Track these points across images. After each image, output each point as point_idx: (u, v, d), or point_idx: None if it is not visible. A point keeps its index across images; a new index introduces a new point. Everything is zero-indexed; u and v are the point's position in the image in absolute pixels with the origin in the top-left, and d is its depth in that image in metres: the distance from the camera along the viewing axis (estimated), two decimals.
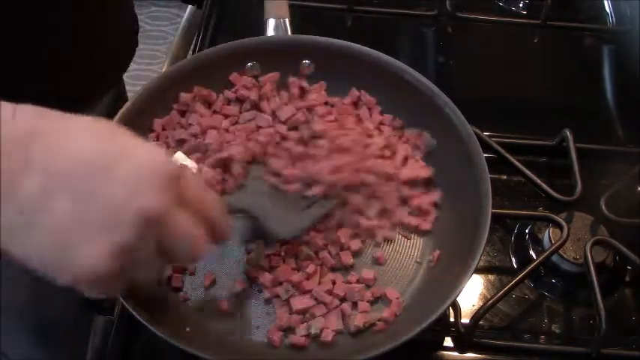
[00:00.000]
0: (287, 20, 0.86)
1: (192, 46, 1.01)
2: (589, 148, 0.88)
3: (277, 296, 0.69)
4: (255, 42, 0.84)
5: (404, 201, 0.75)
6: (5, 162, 0.42)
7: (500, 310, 0.75)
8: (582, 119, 0.93)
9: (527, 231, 0.81)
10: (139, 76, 1.90)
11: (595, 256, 0.75)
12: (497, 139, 0.85)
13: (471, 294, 0.76)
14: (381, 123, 0.81)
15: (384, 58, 0.81)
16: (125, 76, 0.99)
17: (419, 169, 0.77)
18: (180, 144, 0.77)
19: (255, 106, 0.81)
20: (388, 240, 0.74)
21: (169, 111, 0.80)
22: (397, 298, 0.69)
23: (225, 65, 0.83)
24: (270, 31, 0.86)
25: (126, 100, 0.81)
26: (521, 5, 1.09)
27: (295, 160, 0.74)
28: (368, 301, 0.69)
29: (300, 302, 0.68)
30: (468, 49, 1.03)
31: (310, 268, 0.69)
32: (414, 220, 0.74)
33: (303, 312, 0.68)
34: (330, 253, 0.71)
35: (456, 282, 0.66)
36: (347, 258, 0.72)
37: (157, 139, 0.77)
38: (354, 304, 0.69)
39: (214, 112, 0.80)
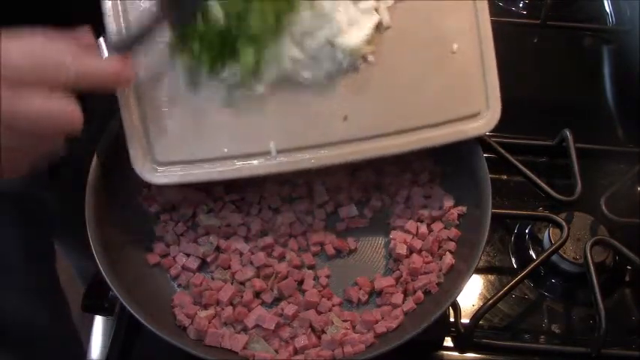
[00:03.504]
0: None
1: None
2: (589, 148, 0.88)
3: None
4: None
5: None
6: None
7: (500, 310, 0.75)
8: (582, 119, 0.93)
9: (527, 231, 0.81)
10: None
11: (595, 256, 0.75)
12: (497, 139, 0.85)
13: (471, 294, 0.77)
14: None
15: None
16: None
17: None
18: None
19: None
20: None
21: None
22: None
23: None
24: None
25: None
26: (521, 5, 1.09)
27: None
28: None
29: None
30: None
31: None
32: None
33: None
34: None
35: (456, 282, 0.67)
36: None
37: None
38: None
39: None
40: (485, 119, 0.71)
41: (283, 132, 0.68)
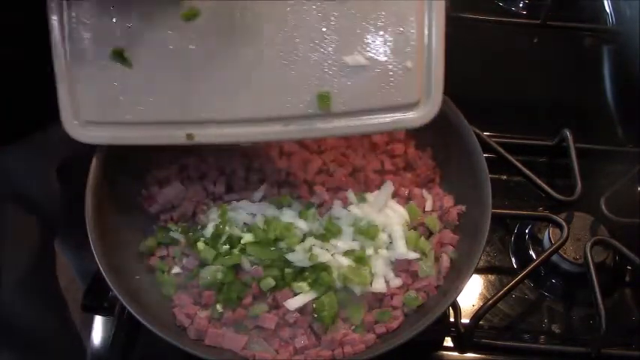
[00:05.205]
0: None
1: None
2: (589, 148, 0.88)
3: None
4: None
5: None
6: None
7: (500, 310, 0.75)
8: (582, 119, 0.93)
9: (527, 231, 0.81)
10: None
11: (595, 256, 0.75)
12: (497, 139, 0.85)
13: (471, 294, 0.77)
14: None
15: None
16: None
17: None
18: None
19: None
20: None
21: None
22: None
23: None
24: None
25: None
26: (521, 5, 1.09)
27: None
28: None
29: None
30: (468, 49, 1.03)
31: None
32: None
33: None
34: None
35: (455, 282, 0.66)
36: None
37: None
38: None
39: None
40: (424, 110, 0.66)
41: (214, 103, 0.66)
